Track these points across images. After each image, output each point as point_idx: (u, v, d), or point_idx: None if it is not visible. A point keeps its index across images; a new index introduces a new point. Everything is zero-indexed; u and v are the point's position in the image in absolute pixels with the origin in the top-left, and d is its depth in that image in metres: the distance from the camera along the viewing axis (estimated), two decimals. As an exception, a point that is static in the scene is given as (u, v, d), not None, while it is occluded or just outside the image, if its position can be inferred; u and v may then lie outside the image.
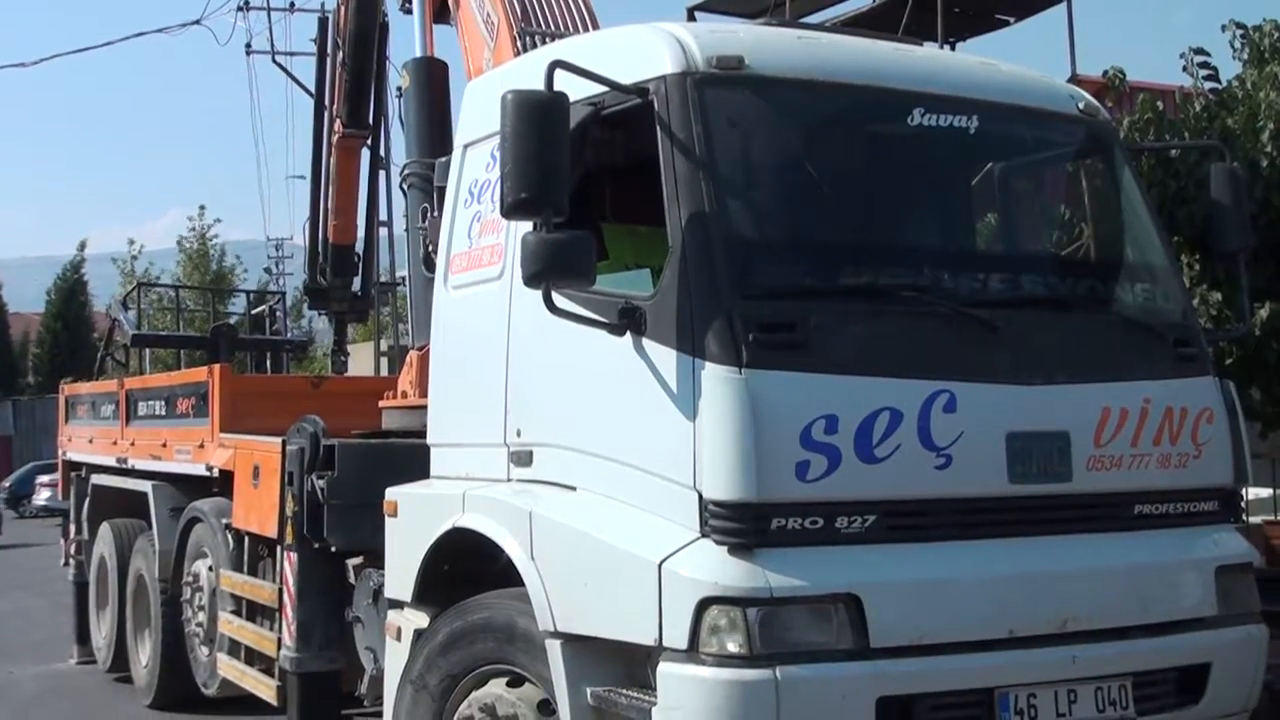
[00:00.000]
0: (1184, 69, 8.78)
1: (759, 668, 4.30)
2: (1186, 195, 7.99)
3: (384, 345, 18.75)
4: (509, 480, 5.37)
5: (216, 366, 9.43)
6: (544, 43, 6.92)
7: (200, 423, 8.95)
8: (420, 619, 5.71)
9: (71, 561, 11.95)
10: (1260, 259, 7.54)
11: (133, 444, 10.31)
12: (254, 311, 20.61)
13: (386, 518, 6.09)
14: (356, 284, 12.85)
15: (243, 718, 8.93)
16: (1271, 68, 8.48)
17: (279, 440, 7.33)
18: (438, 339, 6.09)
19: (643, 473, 4.68)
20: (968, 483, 4.72)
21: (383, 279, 16.56)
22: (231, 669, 8.17)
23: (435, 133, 7.69)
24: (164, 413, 9.81)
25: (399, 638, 5.84)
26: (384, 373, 16.91)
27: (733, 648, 4.32)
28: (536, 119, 4.58)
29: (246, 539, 8.11)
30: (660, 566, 4.46)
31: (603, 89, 5.00)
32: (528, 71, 5.21)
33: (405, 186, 7.71)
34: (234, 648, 8.17)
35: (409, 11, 9.07)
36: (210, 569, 8.62)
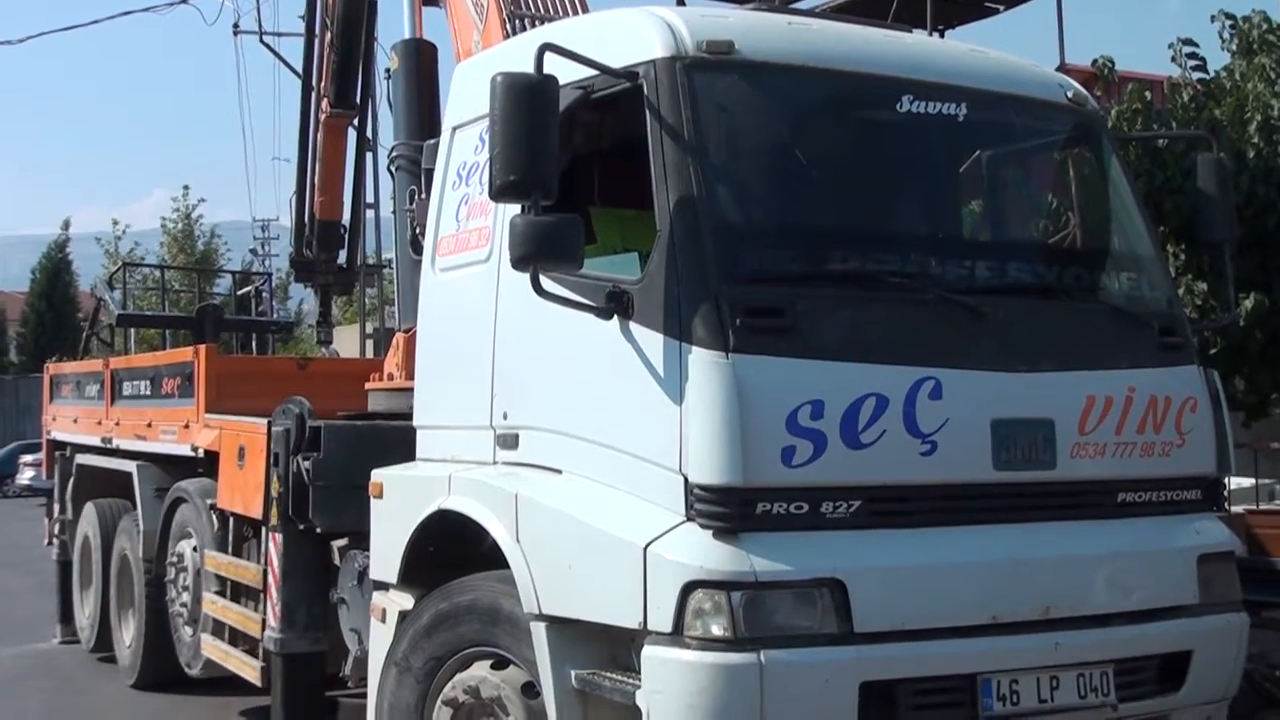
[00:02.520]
0: (1172, 59, 8.80)
1: (743, 651, 4.31)
2: (1173, 185, 8.02)
3: (370, 327, 18.69)
4: (495, 463, 5.37)
5: (202, 347, 9.39)
6: (534, 25, 6.91)
7: (185, 403, 8.92)
8: (405, 601, 5.72)
9: (55, 541, 11.92)
10: (1245, 249, 7.57)
11: (117, 424, 10.26)
12: (240, 292, 20.58)
13: (372, 499, 6.09)
14: (342, 257, 12.84)
15: (226, 698, 8.94)
16: (1260, 59, 8.50)
17: (264, 421, 7.31)
18: (424, 321, 6.08)
19: (629, 456, 4.68)
20: (952, 469, 4.73)
21: (369, 261, 16.51)
22: (215, 649, 8.16)
23: (423, 115, 7.67)
24: (149, 393, 9.77)
25: (384, 619, 5.84)
26: (370, 355, 16.86)
27: (717, 631, 4.33)
28: (526, 102, 4.57)
29: (231, 520, 8.09)
30: (645, 550, 4.46)
31: (592, 72, 4.99)
32: (517, 54, 5.19)
33: (393, 168, 7.68)
34: (218, 628, 8.15)
35: (398, -8, 9.03)
36: (194, 549, 8.60)
